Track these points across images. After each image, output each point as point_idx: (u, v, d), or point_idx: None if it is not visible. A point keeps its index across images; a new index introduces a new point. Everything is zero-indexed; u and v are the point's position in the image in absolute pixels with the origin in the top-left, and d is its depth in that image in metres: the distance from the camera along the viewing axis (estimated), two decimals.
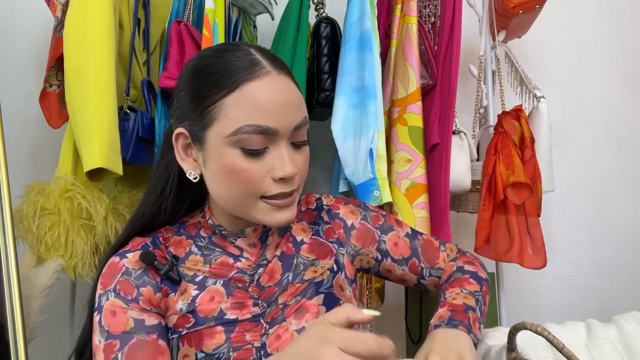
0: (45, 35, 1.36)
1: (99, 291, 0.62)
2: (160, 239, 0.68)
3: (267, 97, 0.59)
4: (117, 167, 1.07)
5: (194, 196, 0.72)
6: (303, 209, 0.76)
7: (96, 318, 0.60)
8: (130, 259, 0.63)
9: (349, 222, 0.75)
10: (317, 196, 0.79)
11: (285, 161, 0.60)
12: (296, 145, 0.63)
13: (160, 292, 0.63)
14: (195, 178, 0.64)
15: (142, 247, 0.65)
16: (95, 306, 0.61)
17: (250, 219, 0.63)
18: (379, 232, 0.76)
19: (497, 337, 0.98)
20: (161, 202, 0.68)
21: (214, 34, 1.15)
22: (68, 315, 1.28)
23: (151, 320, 0.61)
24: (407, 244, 0.77)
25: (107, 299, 0.60)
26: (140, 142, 1.18)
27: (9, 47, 1.52)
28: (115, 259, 0.64)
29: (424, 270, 0.78)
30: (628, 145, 1.74)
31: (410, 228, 0.80)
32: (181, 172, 0.67)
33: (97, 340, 0.59)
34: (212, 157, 0.61)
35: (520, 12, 1.35)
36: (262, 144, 0.59)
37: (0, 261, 0.99)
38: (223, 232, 0.68)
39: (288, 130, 0.60)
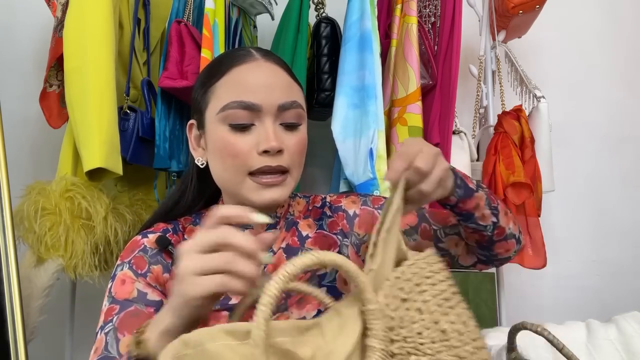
0: (45, 35, 1.36)
1: (117, 262, 0.66)
2: (180, 226, 0.72)
3: (250, 77, 0.66)
4: (117, 167, 1.07)
5: (211, 190, 0.75)
6: (310, 207, 0.78)
7: (109, 285, 0.64)
8: (150, 239, 0.68)
9: (350, 212, 0.75)
10: (323, 196, 0.81)
11: (269, 135, 0.63)
12: (287, 127, 0.66)
13: (169, 274, 0.66)
14: (202, 164, 0.70)
15: (163, 231, 0.70)
16: (112, 275, 0.66)
17: (244, 200, 0.66)
18: (379, 211, 0.74)
19: (497, 337, 0.98)
20: (183, 190, 0.74)
21: (214, 34, 1.15)
22: (68, 315, 1.28)
23: (154, 296, 0.63)
24: (412, 213, 0.74)
25: (121, 270, 0.65)
26: (140, 142, 1.18)
27: (9, 47, 1.52)
28: (137, 237, 0.69)
29: (438, 231, 0.73)
30: (628, 145, 1.74)
31: None
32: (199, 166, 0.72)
33: (104, 304, 0.63)
34: (209, 137, 0.67)
35: (520, 12, 1.35)
36: (247, 119, 0.64)
37: (0, 261, 0.99)
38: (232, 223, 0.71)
39: (272, 108, 0.64)
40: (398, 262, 0.50)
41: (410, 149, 0.56)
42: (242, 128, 0.64)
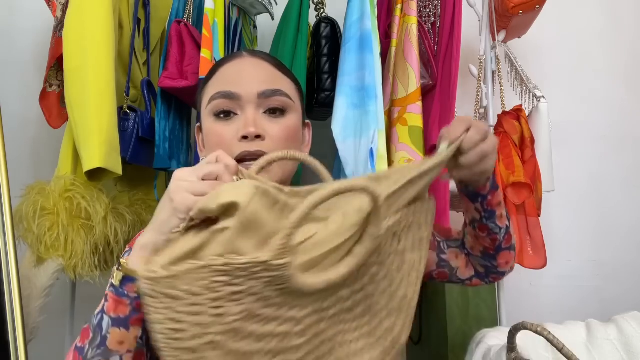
0: (45, 35, 1.36)
1: (125, 249, 0.68)
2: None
3: (232, 70, 0.70)
4: (117, 167, 1.07)
5: None
6: None
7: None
8: None
9: None
10: None
11: (248, 121, 0.66)
12: (272, 115, 0.68)
13: None
14: None
15: None
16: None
17: None
18: None
19: (497, 337, 0.98)
20: None
21: (213, 34, 1.15)
22: (68, 315, 1.28)
23: None
24: None
25: (128, 255, 0.66)
26: (140, 142, 1.18)
27: (9, 47, 1.52)
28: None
29: (442, 243, 0.77)
30: (628, 145, 1.74)
31: None
32: None
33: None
34: (204, 133, 0.71)
35: (520, 12, 1.35)
36: (229, 107, 0.68)
37: (0, 261, 0.99)
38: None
39: (252, 96, 0.67)
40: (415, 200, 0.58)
41: (468, 119, 0.62)
42: (225, 117, 0.68)
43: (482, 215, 0.69)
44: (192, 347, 0.44)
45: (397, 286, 0.59)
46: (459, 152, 0.61)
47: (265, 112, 0.68)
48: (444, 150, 0.61)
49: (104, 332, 0.52)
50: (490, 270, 0.77)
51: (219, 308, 0.44)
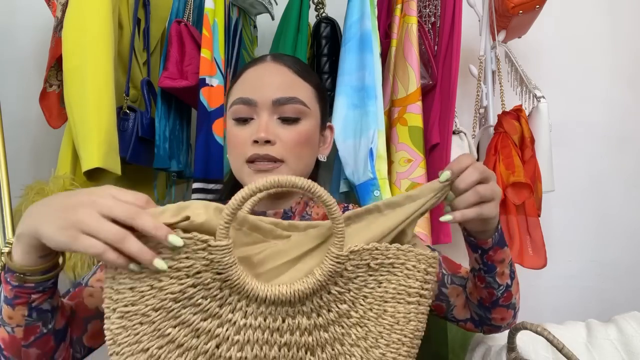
0: (45, 35, 1.36)
1: None
2: None
3: (253, 75, 0.74)
4: (116, 167, 1.07)
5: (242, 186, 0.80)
6: None
7: None
8: None
9: None
10: (345, 204, 0.82)
11: (260, 127, 0.70)
12: (285, 121, 0.72)
13: None
14: None
15: None
16: None
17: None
18: None
19: (497, 337, 0.98)
20: (224, 185, 0.85)
21: (213, 34, 1.15)
22: None
23: None
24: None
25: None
26: (139, 142, 1.18)
27: (9, 47, 1.52)
28: None
29: (446, 277, 0.75)
30: (628, 145, 1.74)
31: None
32: None
33: None
34: (227, 132, 0.76)
35: (520, 12, 1.35)
36: (246, 113, 0.72)
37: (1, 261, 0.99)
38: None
39: (267, 102, 0.71)
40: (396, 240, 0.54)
41: (471, 157, 0.59)
42: (242, 121, 0.72)
43: (481, 267, 0.67)
44: (123, 312, 0.46)
45: (374, 341, 0.51)
46: (455, 192, 0.58)
47: (279, 119, 0.72)
48: (438, 182, 0.57)
49: (0, 303, 0.56)
50: (484, 322, 0.74)
51: (158, 281, 0.46)
